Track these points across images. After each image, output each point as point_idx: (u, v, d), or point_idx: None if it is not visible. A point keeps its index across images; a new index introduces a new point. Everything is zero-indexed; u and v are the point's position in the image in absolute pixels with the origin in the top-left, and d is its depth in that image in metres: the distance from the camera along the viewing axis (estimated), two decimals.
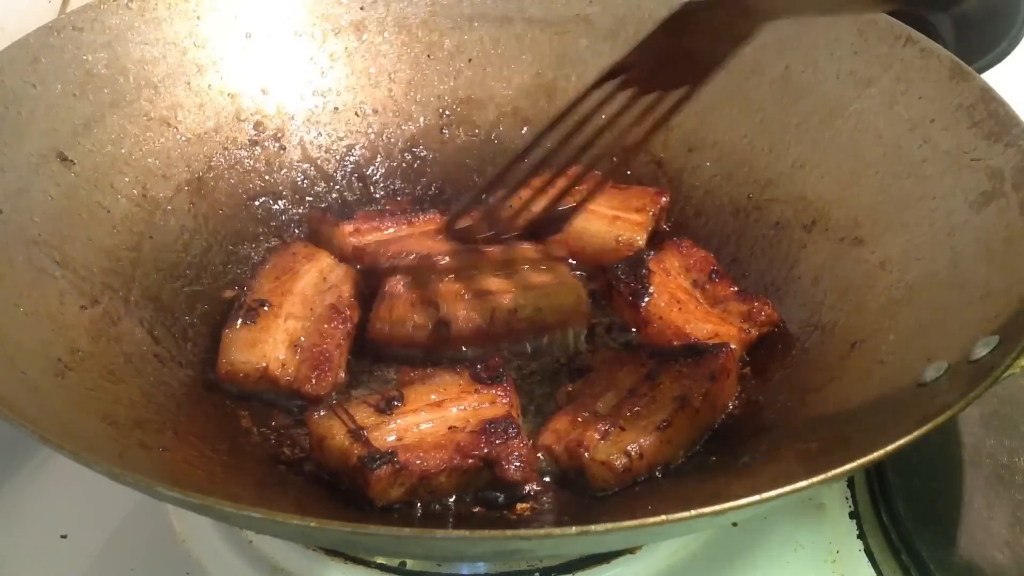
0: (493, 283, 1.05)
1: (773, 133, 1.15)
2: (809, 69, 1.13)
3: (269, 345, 0.99)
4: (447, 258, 1.06)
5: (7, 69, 0.99)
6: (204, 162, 1.15)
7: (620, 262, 1.10)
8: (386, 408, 0.90)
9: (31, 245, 0.93)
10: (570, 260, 1.13)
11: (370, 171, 1.26)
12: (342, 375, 1.01)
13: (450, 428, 0.89)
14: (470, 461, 0.87)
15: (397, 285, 1.04)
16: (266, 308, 1.01)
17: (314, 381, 0.98)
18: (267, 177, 1.19)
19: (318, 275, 1.06)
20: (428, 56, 1.27)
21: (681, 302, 1.06)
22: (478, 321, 1.03)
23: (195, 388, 0.99)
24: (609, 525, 0.66)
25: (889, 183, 1.03)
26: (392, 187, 1.26)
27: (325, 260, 1.08)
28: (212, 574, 0.94)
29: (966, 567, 0.89)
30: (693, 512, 0.65)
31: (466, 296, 1.04)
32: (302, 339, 1.00)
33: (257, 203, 1.18)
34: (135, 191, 1.07)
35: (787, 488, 0.67)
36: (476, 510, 0.89)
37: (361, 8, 1.25)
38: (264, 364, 0.97)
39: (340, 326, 1.02)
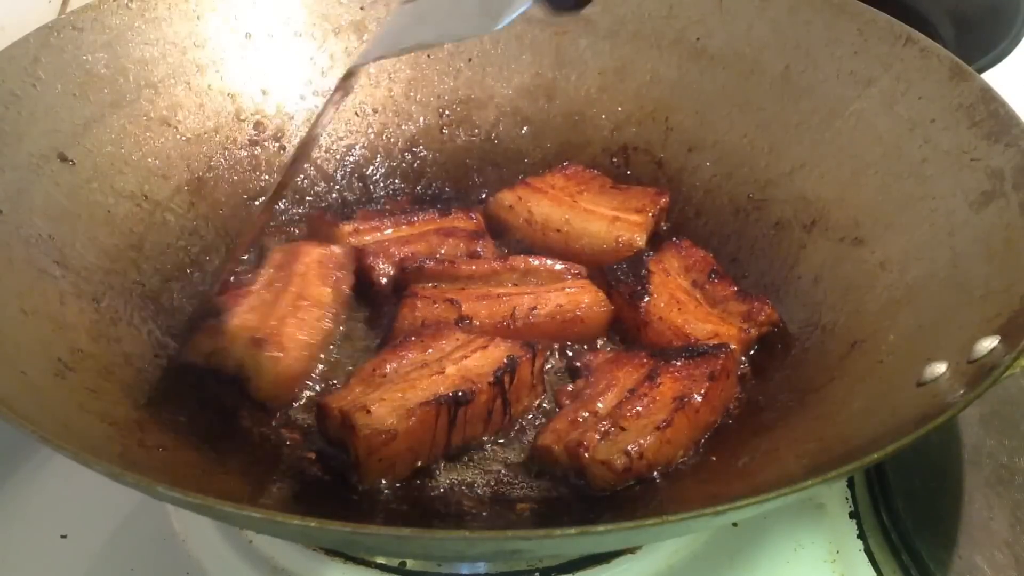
0: (513, 286, 1.07)
1: (773, 133, 1.15)
2: (809, 69, 1.13)
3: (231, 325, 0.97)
4: (473, 266, 1.08)
5: (7, 69, 0.99)
6: (204, 162, 1.15)
7: (620, 263, 1.10)
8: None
9: (31, 245, 0.93)
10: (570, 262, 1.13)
11: (370, 171, 1.25)
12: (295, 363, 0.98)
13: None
14: None
15: (419, 286, 1.05)
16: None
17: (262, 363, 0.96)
18: (267, 177, 1.19)
19: (317, 266, 1.05)
20: (428, 56, 1.27)
21: (681, 302, 1.06)
22: (498, 318, 1.03)
23: (195, 388, 0.99)
24: (609, 525, 0.66)
25: (889, 183, 1.03)
26: (392, 187, 1.26)
27: (317, 251, 1.07)
28: (212, 574, 0.94)
29: (966, 567, 0.89)
30: (693, 512, 0.65)
31: (486, 295, 1.04)
32: (270, 322, 0.98)
33: (257, 203, 1.18)
34: (135, 191, 1.07)
35: (787, 488, 0.67)
36: (476, 508, 0.90)
37: (361, 8, 1.25)
38: (222, 344, 0.97)
39: (316, 322, 1.00)
